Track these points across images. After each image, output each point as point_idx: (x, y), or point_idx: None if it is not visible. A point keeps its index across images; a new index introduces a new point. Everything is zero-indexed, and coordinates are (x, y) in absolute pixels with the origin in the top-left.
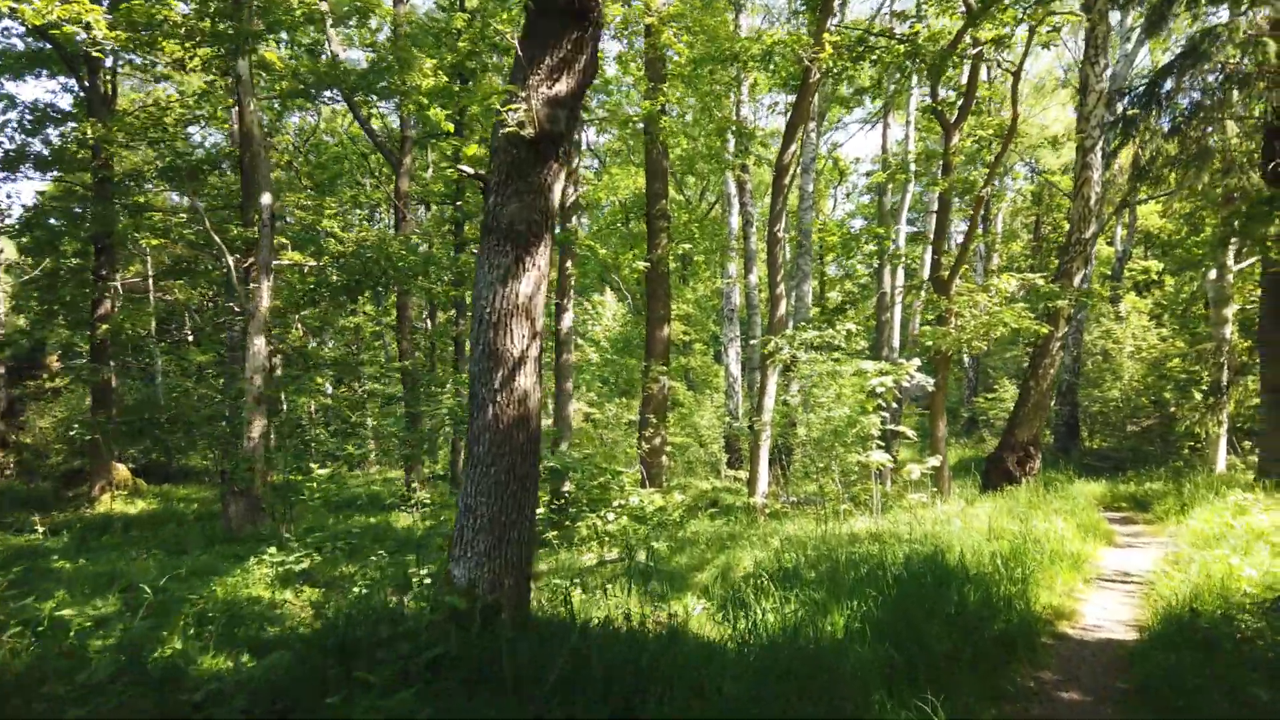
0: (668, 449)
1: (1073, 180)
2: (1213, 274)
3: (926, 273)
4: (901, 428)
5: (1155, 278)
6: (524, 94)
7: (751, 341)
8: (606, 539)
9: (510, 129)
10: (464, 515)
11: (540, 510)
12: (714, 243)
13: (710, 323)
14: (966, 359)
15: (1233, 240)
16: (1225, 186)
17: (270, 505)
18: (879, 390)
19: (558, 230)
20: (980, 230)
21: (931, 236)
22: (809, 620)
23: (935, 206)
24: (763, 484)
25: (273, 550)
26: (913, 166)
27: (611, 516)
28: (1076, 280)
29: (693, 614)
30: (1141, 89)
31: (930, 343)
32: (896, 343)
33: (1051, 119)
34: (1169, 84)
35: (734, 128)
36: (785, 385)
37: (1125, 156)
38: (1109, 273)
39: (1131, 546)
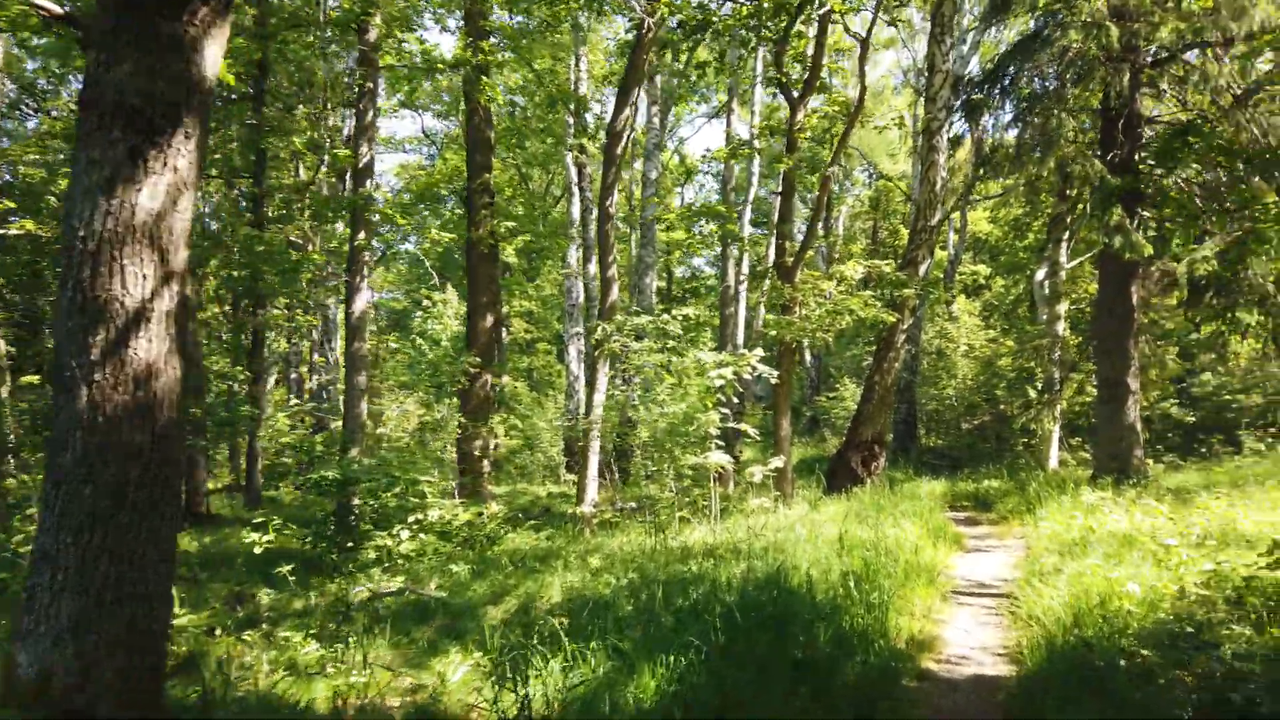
0: (491, 453)
1: (916, 166)
2: (1040, 274)
3: (771, 259)
4: (743, 426)
5: (984, 281)
6: None
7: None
8: (401, 561)
9: None
10: (39, 566)
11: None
12: (556, 242)
13: (555, 321)
14: (809, 357)
15: (1066, 236)
16: (1069, 174)
17: None
18: (718, 383)
19: (348, 191)
20: (822, 231)
21: (776, 220)
22: (610, 684)
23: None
24: (591, 490)
25: None
26: (756, 143)
27: (406, 535)
28: (922, 270)
29: (451, 681)
30: (985, 75)
31: (774, 333)
32: (741, 339)
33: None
34: (1012, 69)
35: (568, 99)
36: (626, 380)
37: (963, 153)
38: (941, 275)
39: (981, 550)
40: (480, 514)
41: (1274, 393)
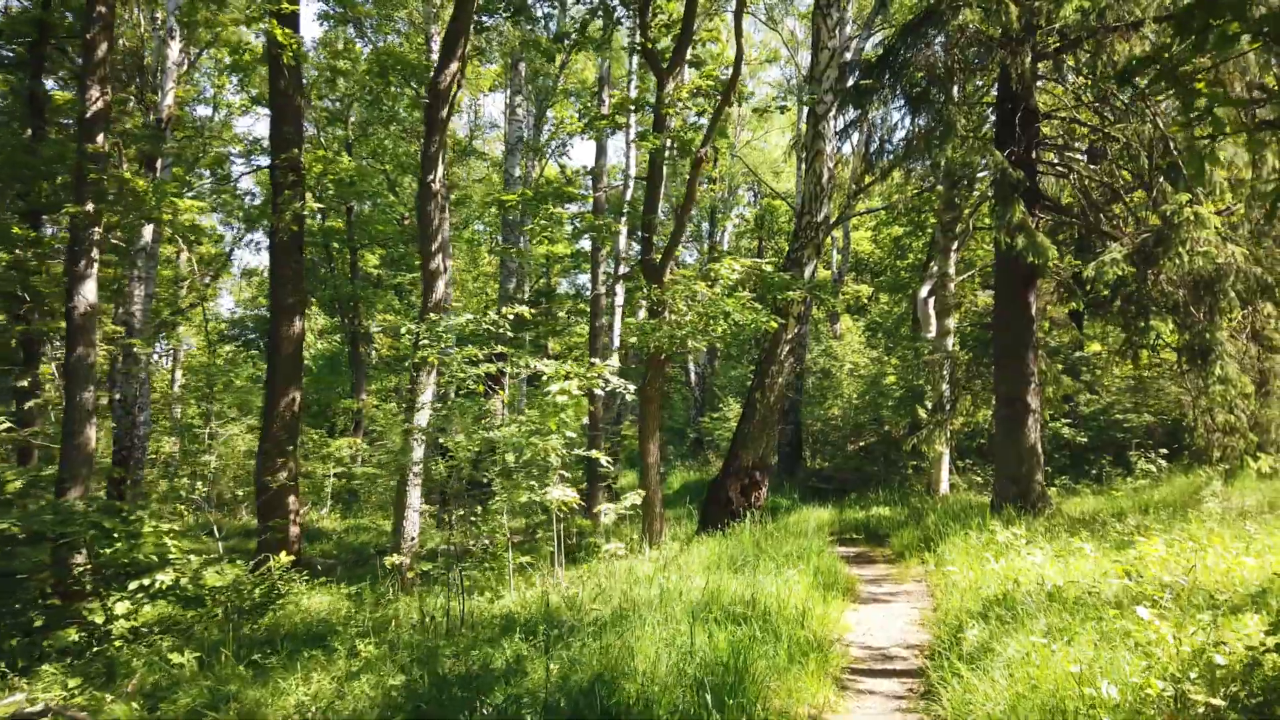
0: (295, 485)
1: (801, 155)
2: (924, 291)
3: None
4: (595, 453)
5: (866, 302)
6: None
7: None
8: (119, 644)
9: None
10: None
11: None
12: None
13: None
14: (693, 374)
15: (955, 245)
16: (957, 179)
17: None
18: (561, 400)
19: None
20: (707, 248)
21: (641, 210)
22: None
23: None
24: (410, 528)
25: None
26: (629, 117)
27: (126, 605)
28: (807, 271)
29: None
30: (875, 59)
31: (634, 340)
32: (616, 355)
33: (773, 144)
34: (903, 52)
35: (403, 65)
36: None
37: (850, 147)
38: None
39: (878, 600)
40: (259, 569)
41: (1164, 412)
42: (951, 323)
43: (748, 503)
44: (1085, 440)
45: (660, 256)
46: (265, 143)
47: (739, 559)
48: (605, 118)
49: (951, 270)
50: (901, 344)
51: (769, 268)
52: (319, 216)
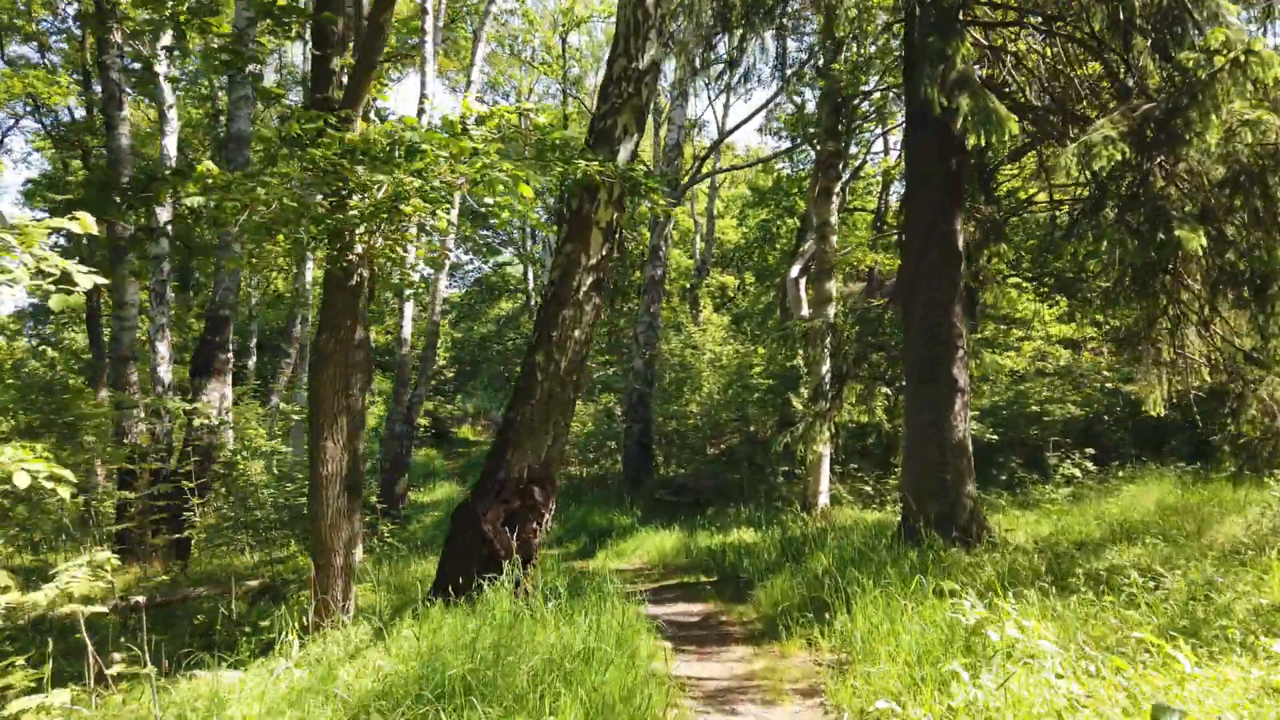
0: None
1: None
2: (794, 271)
3: None
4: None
5: (732, 295)
6: None
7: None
8: None
9: None
10: None
11: None
12: None
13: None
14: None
15: (838, 187)
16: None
17: None
18: None
19: None
20: None
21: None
22: None
23: None
24: None
25: None
26: None
27: None
28: (624, 151)
29: None
30: None
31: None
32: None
33: None
34: None
35: None
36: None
37: None
38: (688, 285)
39: None
40: None
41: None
42: (834, 287)
43: (519, 539)
44: (994, 438)
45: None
46: None
47: (473, 677)
48: None
49: (834, 219)
50: (769, 331)
51: (543, 118)
52: None
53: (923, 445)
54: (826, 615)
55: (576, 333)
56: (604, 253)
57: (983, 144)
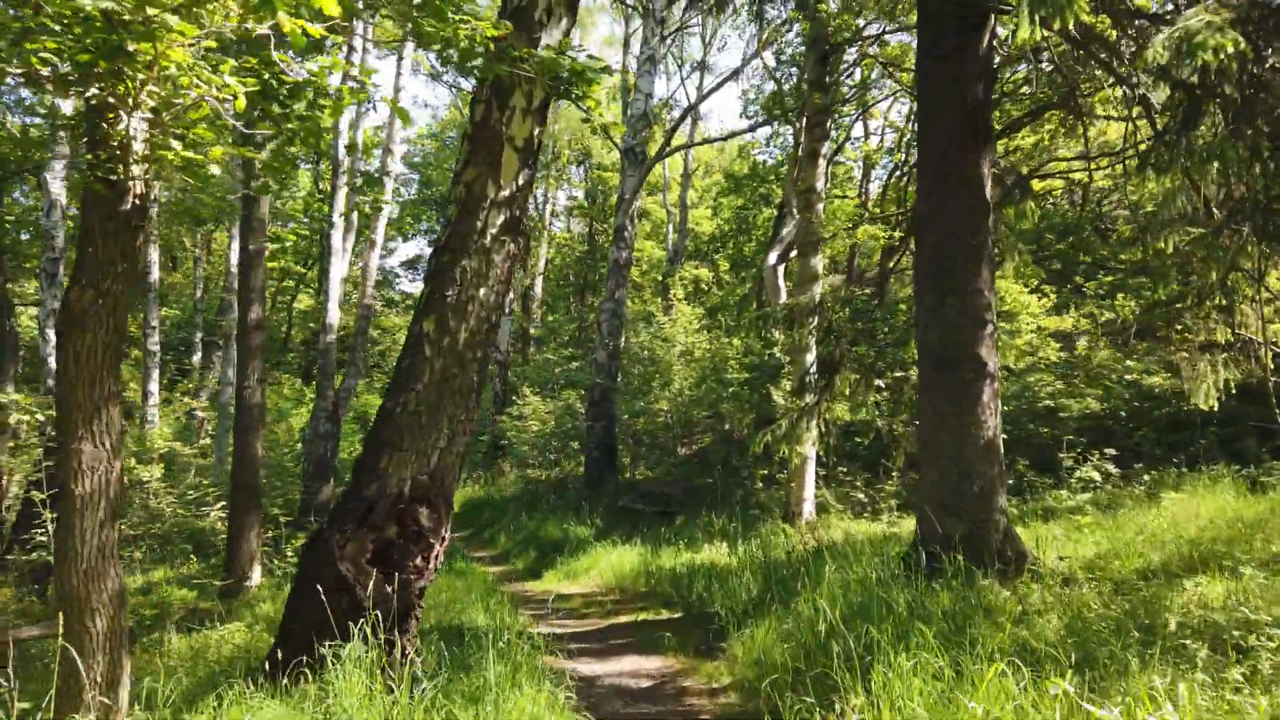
0: None
1: None
2: (772, 258)
3: None
4: None
5: (706, 288)
6: None
7: None
8: None
9: None
10: None
11: None
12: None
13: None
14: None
15: (822, 151)
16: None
17: None
18: None
19: None
20: None
21: None
22: None
23: None
24: None
25: None
26: None
27: None
28: (547, 38)
29: None
30: None
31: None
32: None
33: None
34: None
35: None
36: None
37: None
38: (660, 278)
39: None
40: None
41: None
42: (821, 263)
43: (402, 579)
44: (1003, 436)
45: None
46: None
47: None
48: None
49: (820, 186)
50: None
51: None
52: None
53: (942, 446)
54: (835, 700)
55: (482, 292)
56: (520, 181)
57: (1039, 35)
